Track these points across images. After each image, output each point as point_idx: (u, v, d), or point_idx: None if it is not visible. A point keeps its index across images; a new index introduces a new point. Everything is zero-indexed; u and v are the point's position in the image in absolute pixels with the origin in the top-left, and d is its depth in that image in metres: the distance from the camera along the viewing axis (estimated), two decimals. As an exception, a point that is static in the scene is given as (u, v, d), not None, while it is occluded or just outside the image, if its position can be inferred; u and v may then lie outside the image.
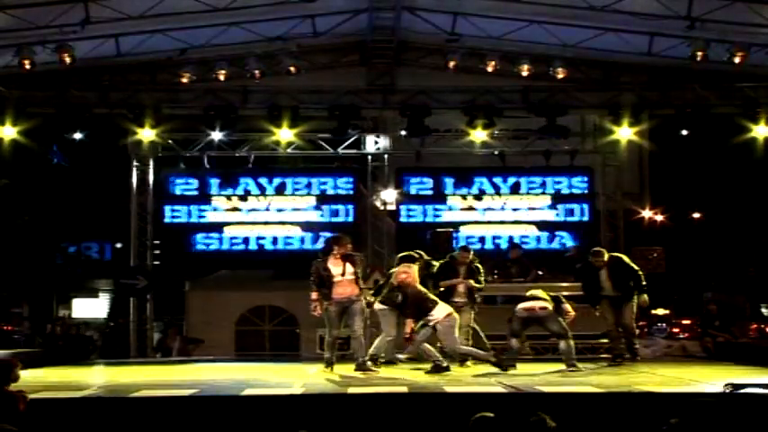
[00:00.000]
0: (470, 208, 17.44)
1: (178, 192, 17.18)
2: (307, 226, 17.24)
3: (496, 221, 17.42)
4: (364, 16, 15.23)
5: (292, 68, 15.68)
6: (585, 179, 17.53)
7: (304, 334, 16.46)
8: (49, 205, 22.23)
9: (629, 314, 12.37)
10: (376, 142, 17.46)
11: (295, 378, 10.61)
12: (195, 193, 17.18)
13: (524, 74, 15.69)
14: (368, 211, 17.57)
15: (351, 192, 17.47)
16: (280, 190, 17.34)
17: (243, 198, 17.26)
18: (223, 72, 15.63)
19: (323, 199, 17.31)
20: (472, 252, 12.70)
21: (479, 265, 12.55)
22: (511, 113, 16.77)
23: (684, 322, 18.97)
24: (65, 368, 12.83)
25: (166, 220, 17.13)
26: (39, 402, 7.60)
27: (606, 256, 12.51)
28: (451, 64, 15.67)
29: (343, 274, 11.36)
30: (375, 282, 15.72)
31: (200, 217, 17.16)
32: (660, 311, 17.71)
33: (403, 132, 16.81)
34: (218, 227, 17.16)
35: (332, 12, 15.09)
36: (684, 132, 16.36)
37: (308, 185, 17.38)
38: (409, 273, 11.18)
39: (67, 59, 14.00)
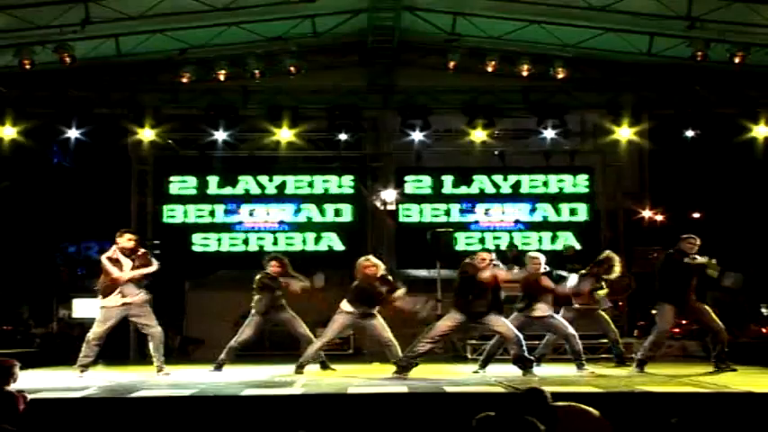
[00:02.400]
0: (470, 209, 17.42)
1: (175, 191, 17.06)
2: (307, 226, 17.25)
3: (496, 221, 17.42)
4: (364, 16, 15.22)
5: (292, 68, 15.68)
6: (586, 179, 17.50)
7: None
8: (49, 205, 22.21)
9: (712, 313, 11.27)
10: (376, 142, 17.46)
11: (295, 378, 10.62)
12: (194, 192, 17.09)
13: (524, 74, 15.70)
14: (368, 211, 17.57)
15: (351, 191, 17.40)
16: (280, 189, 17.29)
17: (242, 198, 17.18)
18: (223, 72, 15.63)
19: (324, 198, 17.28)
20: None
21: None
22: (511, 113, 16.77)
23: (684, 322, 18.90)
24: (65, 368, 12.82)
25: (164, 219, 17.03)
26: (39, 402, 7.59)
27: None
28: (451, 64, 15.66)
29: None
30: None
31: (199, 217, 17.08)
32: (660, 311, 17.68)
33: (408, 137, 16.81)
34: (217, 227, 17.09)
35: (332, 12, 15.08)
36: (690, 134, 16.32)
37: (309, 185, 17.32)
38: None
39: (67, 59, 13.99)
